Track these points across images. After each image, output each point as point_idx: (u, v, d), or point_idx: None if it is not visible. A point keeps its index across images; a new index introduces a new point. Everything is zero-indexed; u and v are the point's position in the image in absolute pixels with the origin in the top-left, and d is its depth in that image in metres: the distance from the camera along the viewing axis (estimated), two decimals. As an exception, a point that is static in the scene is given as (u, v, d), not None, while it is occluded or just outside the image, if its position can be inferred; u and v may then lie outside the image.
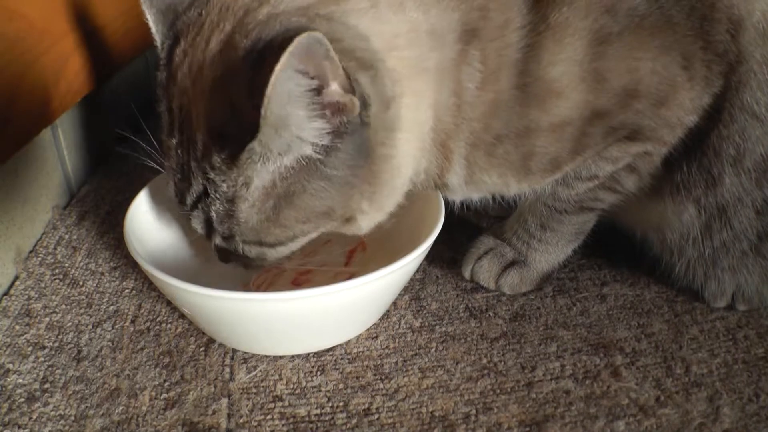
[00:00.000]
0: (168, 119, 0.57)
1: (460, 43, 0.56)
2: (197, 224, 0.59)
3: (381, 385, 0.60)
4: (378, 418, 0.57)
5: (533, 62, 0.56)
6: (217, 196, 0.54)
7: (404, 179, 0.59)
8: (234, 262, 0.62)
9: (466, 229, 0.80)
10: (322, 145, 0.51)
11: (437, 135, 0.59)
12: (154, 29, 0.60)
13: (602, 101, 0.58)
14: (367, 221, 0.59)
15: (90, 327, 0.67)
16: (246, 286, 0.71)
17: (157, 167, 0.60)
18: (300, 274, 0.73)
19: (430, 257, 0.74)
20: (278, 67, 0.44)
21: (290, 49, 0.44)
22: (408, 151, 0.57)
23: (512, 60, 0.56)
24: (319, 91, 0.49)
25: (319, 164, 0.52)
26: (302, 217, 0.55)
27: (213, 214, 0.56)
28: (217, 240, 0.59)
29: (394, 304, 0.70)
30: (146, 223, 0.69)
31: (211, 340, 0.65)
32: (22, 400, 0.58)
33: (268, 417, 0.57)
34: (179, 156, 0.56)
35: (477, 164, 0.61)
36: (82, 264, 0.76)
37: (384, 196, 0.58)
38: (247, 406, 0.58)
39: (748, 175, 0.61)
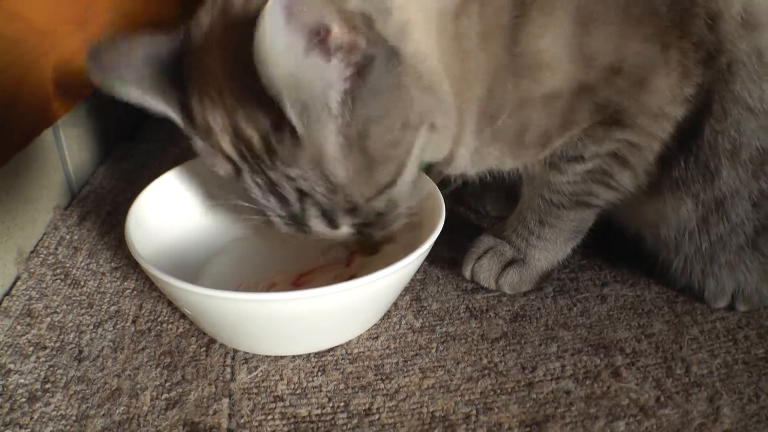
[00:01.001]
0: (230, 161, 0.58)
1: None
2: (321, 226, 0.59)
3: (382, 386, 0.60)
4: (379, 419, 0.57)
5: (522, 32, 0.57)
6: (312, 182, 0.55)
7: (447, 88, 0.58)
8: (378, 243, 0.63)
9: (466, 230, 0.80)
10: (356, 75, 0.51)
11: (451, 84, 0.59)
12: (172, 113, 0.59)
13: (589, 76, 0.59)
14: (443, 120, 0.58)
15: (91, 327, 0.67)
16: (244, 286, 0.71)
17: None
18: (301, 275, 0.73)
19: (431, 258, 0.74)
20: (266, 25, 0.44)
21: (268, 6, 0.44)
22: (435, 59, 0.57)
23: (504, 26, 0.57)
24: (323, 38, 0.48)
25: (365, 87, 0.51)
26: (389, 138, 0.55)
27: (321, 201, 0.56)
28: (350, 222, 0.59)
29: (395, 304, 0.70)
30: (147, 224, 0.69)
31: (212, 341, 0.65)
32: (24, 400, 0.58)
33: (269, 417, 0.57)
34: (259, 183, 0.58)
35: (484, 136, 0.62)
36: (83, 264, 0.76)
37: (441, 101, 0.57)
38: (248, 406, 0.58)
39: (744, 167, 0.61)
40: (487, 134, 0.62)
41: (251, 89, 0.51)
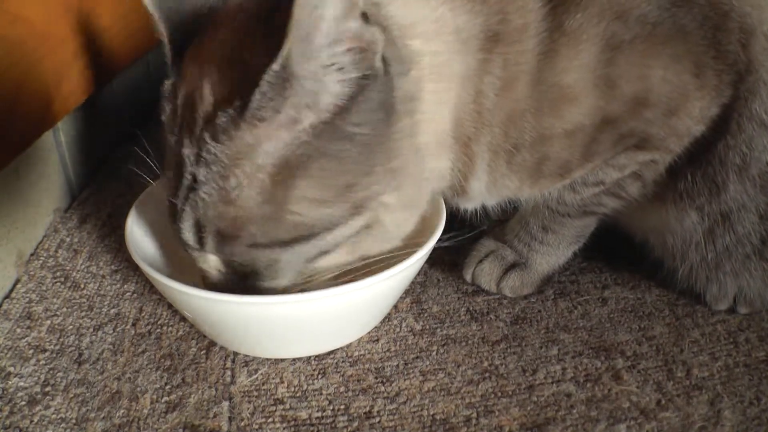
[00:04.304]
0: (170, 118, 0.54)
1: (482, 51, 0.55)
2: (189, 234, 0.53)
3: (382, 388, 0.60)
4: (379, 422, 0.57)
5: (548, 69, 0.56)
6: (213, 175, 0.49)
7: (426, 173, 0.57)
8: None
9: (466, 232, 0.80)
10: (344, 95, 0.48)
11: (459, 137, 0.58)
12: (162, 28, 0.55)
13: (613, 107, 0.57)
14: (393, 220, 0.55)
15: (91, 330, 0.67)
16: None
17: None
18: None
19: (431, 260, 0.74)
20: None
21: None
22: (430, 139, 0.56)
23: (528, 68, 0.56)
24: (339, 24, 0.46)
25: (340, 120, 0.48)
26: (318, 193, 0.50)
27: (202, 202, 0.50)
28: (218, 253, 0.54)
29: (396, 307, 0.70)
30: (147, 226, 0.69)
31: (212, 343, 0.65)
32: (24, 403, 0.58)
33: (270, 420, 0.57)
34: (174, 152, 0.52)
35: (499, 170, 0.61)
36: (83, 267, 0.76)
37: (409, 186, 0.55)
38: (248, 409, 0.58)
39: (753, 182, 0.61)
40: (503, 168, 0.61)
41: (240, 53, 0.49)
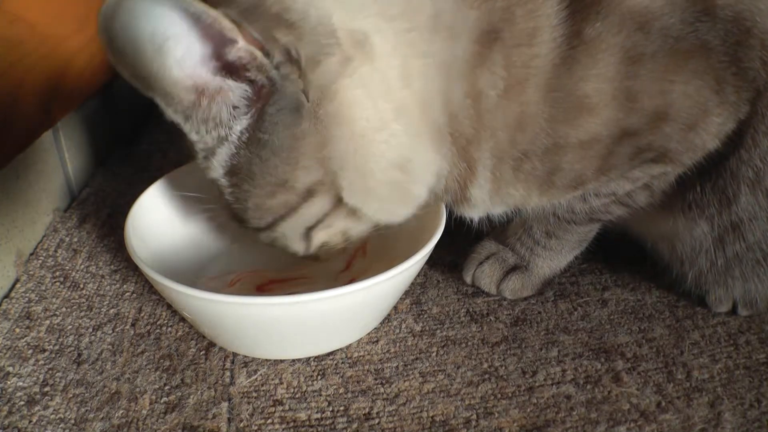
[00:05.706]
0: None
1: (477, 44, 0.54)
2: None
3: (382, 390, 0.60)
4: (378, 423, 0.57)
5: (565, 77, 0.54)
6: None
7: (386, 154, 0.55)
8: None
9: (467, 234, 0.80)
10: (249, 109, 0.51)
11: (455, 136, 0.57)
12: None
13: (632, 120, 0.56)
14: (363, 203, 0.57)
15: (90, 330, 0.67)
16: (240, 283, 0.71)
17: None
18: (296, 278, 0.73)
19: (431, 261, 0.74)
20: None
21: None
22: (380, 120, 0.54)
23: (540, 72, 0.54)
24: (220, 53, 0.48)
25: (256, 129, 0.52)
26: (260, 191, 0.55)
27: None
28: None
29: (395, 308, 0.70)
30: (147, 227, 0.69)
31: (212, 344, 0.65)
32: (22, 403, 0.58)
33: (269, 421, 0.57)
34: None
35: (503, 178, 0.60)
36: (82, 267, 0.76)
37: (360, 169, 0.54)
38: (247, 410, 0.58)
39: (765, 194, 0.60)
40: (508, 175, 0.59)
41: None
